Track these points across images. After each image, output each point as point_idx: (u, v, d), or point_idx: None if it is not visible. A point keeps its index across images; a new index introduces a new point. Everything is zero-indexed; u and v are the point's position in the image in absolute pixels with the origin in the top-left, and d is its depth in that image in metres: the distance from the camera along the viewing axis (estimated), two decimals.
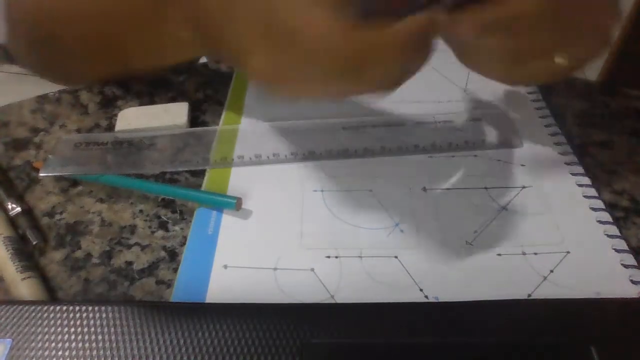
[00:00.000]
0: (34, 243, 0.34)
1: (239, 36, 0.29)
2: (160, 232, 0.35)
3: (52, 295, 0.31)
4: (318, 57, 0.26)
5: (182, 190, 0.36)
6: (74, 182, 0.38)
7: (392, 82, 0.28)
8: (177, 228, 0.35)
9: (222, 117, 0.43)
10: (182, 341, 0.27)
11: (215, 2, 0.29)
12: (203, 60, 0.50)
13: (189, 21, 0.31)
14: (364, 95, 0.29)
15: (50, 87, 0.49)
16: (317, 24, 0.26)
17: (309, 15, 0.26)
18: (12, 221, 0.35)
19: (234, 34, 0.29)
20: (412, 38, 0.26)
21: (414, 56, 0.27)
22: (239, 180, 0.37)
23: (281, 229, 0.34)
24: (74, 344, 0.27)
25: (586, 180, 0.36)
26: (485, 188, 0.36)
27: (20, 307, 0.28)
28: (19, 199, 0.36)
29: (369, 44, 0.26)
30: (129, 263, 0.33)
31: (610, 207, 0.35)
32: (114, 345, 0.27)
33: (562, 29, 0.29)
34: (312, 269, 0.31)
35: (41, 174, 0.38)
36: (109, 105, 0.46)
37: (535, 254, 0.32)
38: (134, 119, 0.42)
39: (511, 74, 0.32)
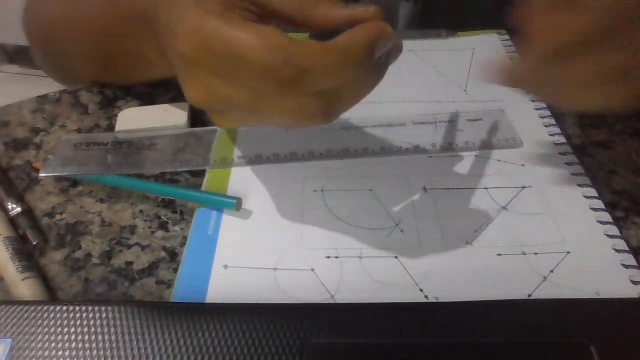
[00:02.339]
0: (34, 243, 0.34)
1: (174, 65, 0.28)
2: (160, 232, 0.35)
3: (52, 295, 0.31)
4: (248, 70, 0.24)
5: (182, 190, 0.36)
6: (74, 182, 0.38)
7: (338, 101, 0.26)
8: (177, 228, 0.35)
9: None
10: (182, 341, 0.27)
11: (165, 34, 0.29)
12: None
13: (157, 47, 0.32)
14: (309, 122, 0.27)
15: (50, 87, 0.49)
16: (244, 41, 0.24)
17: (235, 32, 0.24)
18: (12, 221, 0.35)
19: (173, 62, 0.29)
20: (361, 45, 0.24)
21: (362, 66, 0.25)
22: (239, 180, 0.37)
23: (281, 229, 0.34)
24: (74, 344, 0.27)
25: (586, 180, 0.36)
26: (485, 188, 0.36)
27: (20, 307, 0.28)
28: (19, 199, 0.36)
29: (307, 52, 0.24)
30: (129, 263, 0.33)
31: (610, 207, 0.35)
32: (114, 345, 0.27)
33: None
34: (312, 269, 0.31)
35: (41, 174, 0.38)
36: (109, 105, 0.46)
37: (535, 254, 0.32)
38: (134, 119, 0.42)
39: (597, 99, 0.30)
